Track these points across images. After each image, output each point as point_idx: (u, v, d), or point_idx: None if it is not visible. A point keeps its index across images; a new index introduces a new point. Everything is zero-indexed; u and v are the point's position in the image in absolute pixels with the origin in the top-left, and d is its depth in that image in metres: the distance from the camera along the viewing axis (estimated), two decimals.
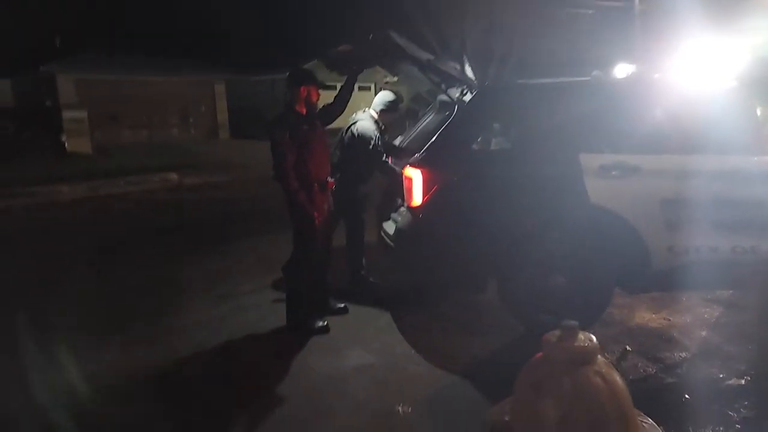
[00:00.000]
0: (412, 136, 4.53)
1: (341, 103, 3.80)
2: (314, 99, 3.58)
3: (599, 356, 1.63)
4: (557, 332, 1.65)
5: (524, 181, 3.32)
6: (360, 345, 3.44)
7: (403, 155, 3.89)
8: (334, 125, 3.76)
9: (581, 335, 1.62)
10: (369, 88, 25.22)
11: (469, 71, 3.95)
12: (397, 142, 4.59)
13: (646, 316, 3.75)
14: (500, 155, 3.97)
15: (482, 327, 3.64)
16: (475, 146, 3.77)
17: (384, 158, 4.09)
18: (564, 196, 3.30)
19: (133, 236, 6.70)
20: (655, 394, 2.77)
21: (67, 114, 14.85)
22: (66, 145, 14.47)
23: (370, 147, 4.01)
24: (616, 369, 1.69)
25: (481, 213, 3.34)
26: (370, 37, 3.89)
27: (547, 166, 3.34)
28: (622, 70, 4.86)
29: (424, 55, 3.84)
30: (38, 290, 4.62)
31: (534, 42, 17.44)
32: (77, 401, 2.89)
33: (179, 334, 3.67)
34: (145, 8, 24.88)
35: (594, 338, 1.64)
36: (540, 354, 1.69)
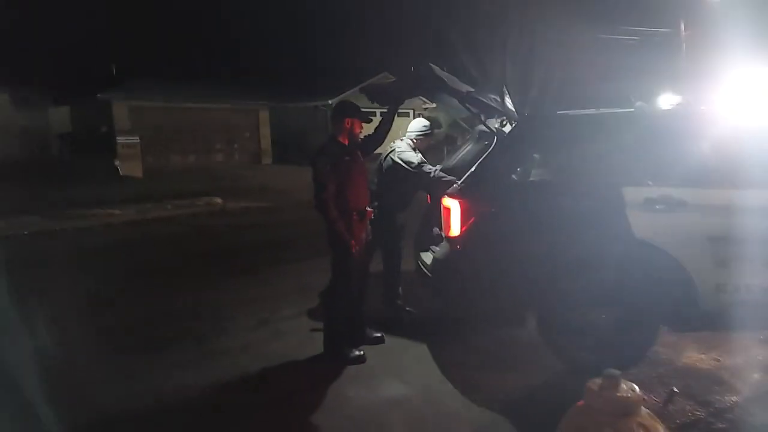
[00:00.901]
0: (451, 165, 4.56)
1: (382, 134, 3.90)
2: (357, 131, 3.68)
3: (642, 407, 1.58)
4: (599, 380, 1.61)
5: (565, 213, 3.28)
6: (396, 376, 3.43)
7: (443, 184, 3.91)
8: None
9: (624, 384, 1.57)
10: (408, 114, 25.55)
11: (508, 101, 3.97)
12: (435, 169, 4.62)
13: (694, 357, 3.59)
14: (540, 187, 3.95)
15: (520, 363, 3.56)
16: (514, 177, 3.77)
17: (434, 171, 4.07)
18: (607, 229, 3.24)
19: (178, 259, 6.93)
20: None
21: (121, 139, 15.62)
22: (120, 169, 15.18)
23: (416, 165, 4.06)
24: (662, 414, 1.63)
25: (519, 245, 3.31)
26: (412, 70, 3.98)
27: (589, 199, 3.30)
28: (667, 101, 4.77)
29: (464, 87, 3.90)
30: (87, 311, 4.82)
31: (575, 71, 17.29)
32: (120, 419, 2.99)
33: (219, 359, 3.76)
34: (195, 38, 26.18)
35: (637, 388, 1.59)
36: (581, 402, 1.65)
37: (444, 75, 3.83)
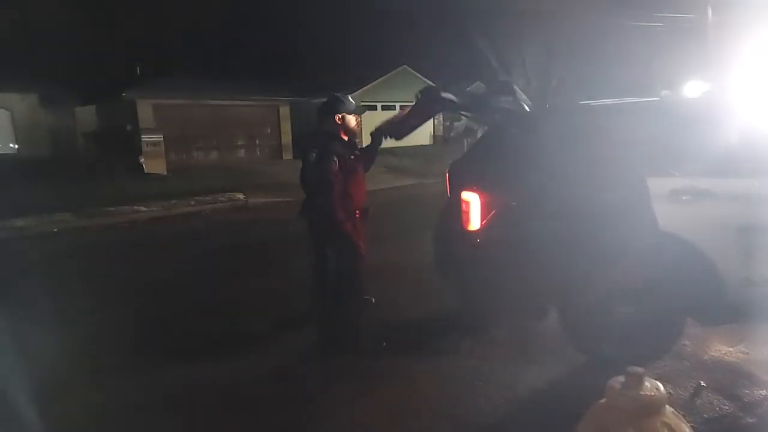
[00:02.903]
0: (471, 157, 4.53)
1: (369, 159, 3.98)
2: (352, 125, 3.71)
3: (667, 406, 1.55)
4: (621, 378, 1.58)
5: (588, 206, 3.23)
6: (416, 369, 3.44)
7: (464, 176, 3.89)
8: None
9: (647, 383, 1.54)
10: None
11: (524, 97, 3.91)
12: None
13: (722, 350, 3.52)
14: (563, 179, 3.89)
15: (541, 356, 3.54)
16: (536, 170, 3.72)
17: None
18: (631, 221, 3.18)
19: (202, 254, 7.06)
20: None
21: (145, 137, 15.92)
22: (144, 166, 15.48)
23: None
24: (689, 408, 1.61)
25: (541, 238, 3.25)
26: (419, 95, 3.94)
27: (614, 191, 3.24)
28: (693, 89, 4.65)
29: (474, 101, 3.86)
30: (118, 306, 4.96)
31: (598, 60, 16.95)
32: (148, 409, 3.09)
33: (242, 353, 3.83)
34: (215, 35, 26.45)
35: (662, 387, 1.56)
36: (603, 400, 1.63)
37: (452, 96, 3.77)
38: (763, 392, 2.99)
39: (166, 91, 18.23)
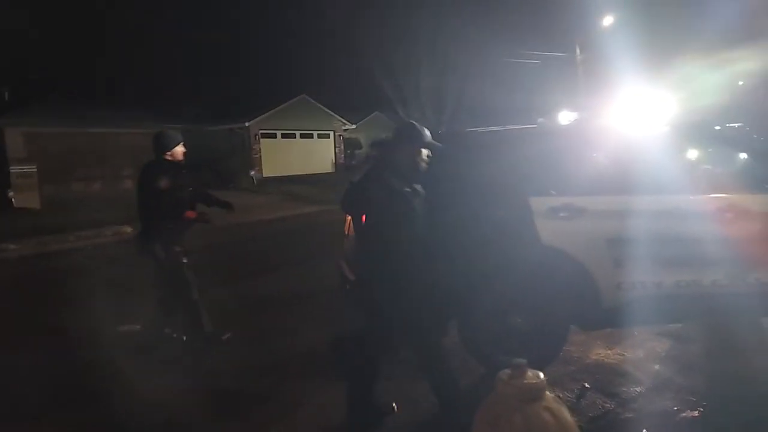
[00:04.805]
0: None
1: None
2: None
3: (548, 393, 1.68)
4: (508, 370, 1.69)
5: (477, 224, 3.40)
6: (323, 392, 3.38)
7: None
8: None
9: (530, 372, 1.67)
10: (328, 136, 25.70)
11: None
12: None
13: (602, 353, 3.84)
14: (452, 200, 4.06)
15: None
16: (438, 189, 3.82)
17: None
18: (516, 237, 3.41)
19: (83, 291, 6.41)
20: (615, 430, 2.82)
21: (14, 169, 14.36)
22: (13, 200, 13.92)
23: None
24: (576, 409, 1.74)
25: (445, 256, 3.33)
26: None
27: (499, 209, 3.46)
28: (565, 117, 5.17)
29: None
30: None
31: (483, 91, 18.35)
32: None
33: None
34: (95, 60, 24.81)
35: (542, 375, 1.69)
36: (495, 391, 1.73)
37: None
38: (638, 389, 3.29)
39: (39, 119, 16.69)
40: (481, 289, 3.42)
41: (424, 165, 2.95)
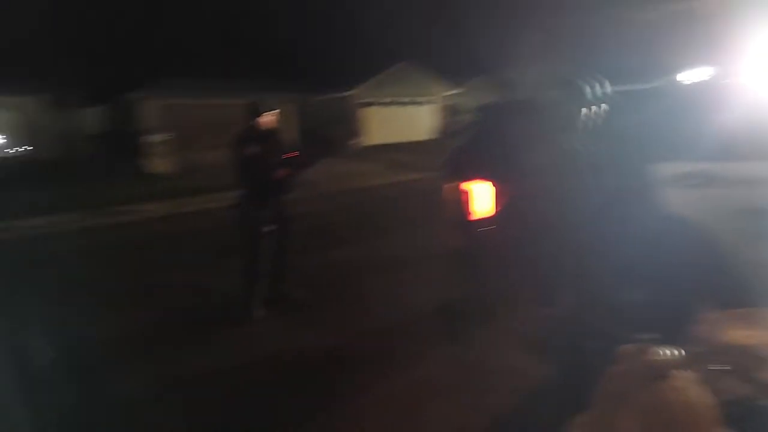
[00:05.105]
0: (471, 146, 4.48)
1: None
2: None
3: (680, 371, 1.58)
4: (633, 345, 1.61)
5: (597, 191, 3.22)
6: (425, 357, 3.46)
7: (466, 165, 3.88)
8: None
9: (660, 349, 1.57)
10: (431, 102, 25.40)
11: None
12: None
13: (738, 333, 3.49)
14: (571, 165, 3.87)
15: (553, 343, 3.49)
16: (544, 156, 3.70)
17: None
18: (643, 206, 3.17)
19: (211, 250, 7.08)
20: (749, 416, 2.59)
21: (152, 137, 16.01)
22: (151, 166, 15.58)
23: None
24: (701, 384, 1.61)
25: (552, 225, 3.27)
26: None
27: (622, 176, 3.25)
28: (697, 74, 4.63)
29: None
30: (138, 299, 5.02)
31: (600, 47, 16.89)
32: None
33: (223, 342, 3.87)
34: (221, 34, 26.53)
35: (675, 352, 1.59)
36: (618, 366, 1.65)
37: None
38: None
39: (172, 91, 18.34)
40: (599, 259, 3.23)
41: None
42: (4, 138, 19.03)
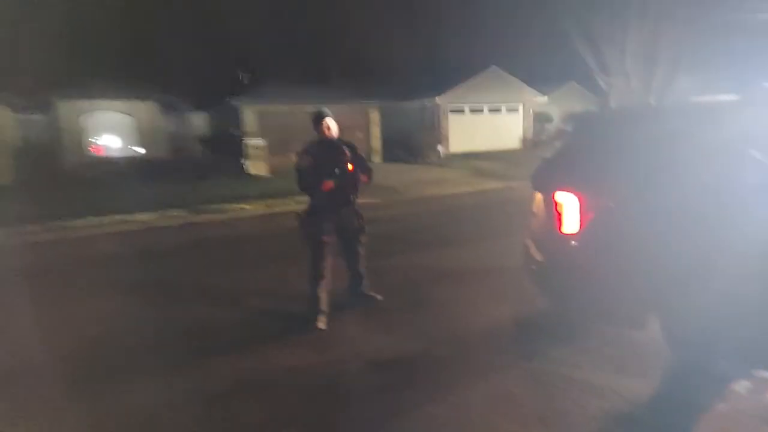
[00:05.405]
0: (562, 157, 4.42)
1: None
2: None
3: None
4: (747, 384, 1.46)
5: (700, 206, 3.06)
6: (505, 373, 3.47)
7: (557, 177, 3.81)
8: None
9: None
10: (517, 110, 24.89)
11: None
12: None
13: None
14: (669, 179, 3.56)
15: (641, 367, 3.38)
16: (638, 169, 3.46)
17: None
18: (747, 224, 2.96)
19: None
20: None
21: (249, 141, 17.12)
22: (248, 168, 16.65)
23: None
24: None
25: (644, 241, 3.12)
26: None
27: (729, 190, 3.06)
28: None
29: None
30: (223, 288, 5.50)
31: (704, 53, 15.69)
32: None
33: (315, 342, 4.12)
34: (311, 45, 27.73)
35: None
36: (724, 405, 1.50)
37: None
38: None
39: (267, 98, 19.45)
40: (699, 279, 3.03)
41: None
42: (122, 140, 21.13)
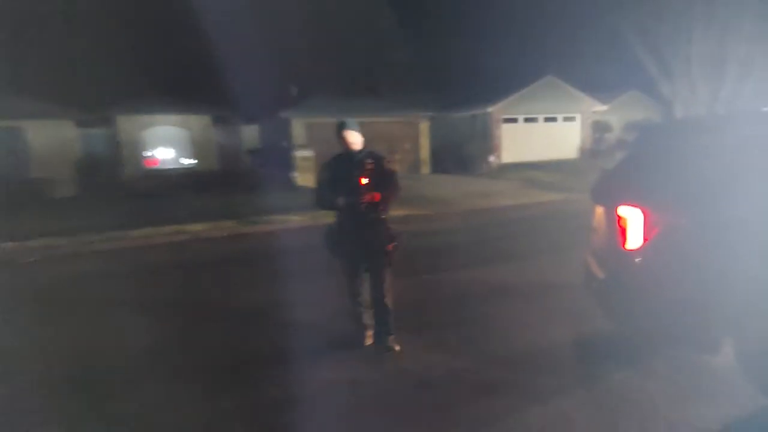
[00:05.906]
0: (625, 170, 4.15)
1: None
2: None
3: None
4: None
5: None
6: (565, 397, 3.27)
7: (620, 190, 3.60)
8: None
9: None
10: (574, 119, 24.11)
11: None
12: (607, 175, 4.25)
13: None
14: (743, 191, 3.39)
15: (712, 395, 3.14)
16: (708, 181, 3.27)
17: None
18: None
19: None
20: None
21: (298, 153, 17.39)
22: (296, 180, 16.90)
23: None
24: None
25: (717, 257, 2.91)
26: None
27: None
28: None
29: None
30: (270, 300, 5.45)
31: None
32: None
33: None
34: (358, 54, 28.11)
35: None
36: None
37: None
38: None
39: (315, 110, 19.76)
40: None
41: None
42: (175, 152, 21.96)
